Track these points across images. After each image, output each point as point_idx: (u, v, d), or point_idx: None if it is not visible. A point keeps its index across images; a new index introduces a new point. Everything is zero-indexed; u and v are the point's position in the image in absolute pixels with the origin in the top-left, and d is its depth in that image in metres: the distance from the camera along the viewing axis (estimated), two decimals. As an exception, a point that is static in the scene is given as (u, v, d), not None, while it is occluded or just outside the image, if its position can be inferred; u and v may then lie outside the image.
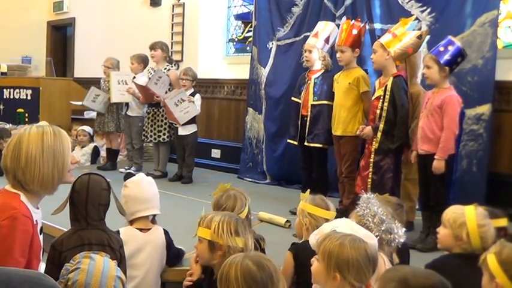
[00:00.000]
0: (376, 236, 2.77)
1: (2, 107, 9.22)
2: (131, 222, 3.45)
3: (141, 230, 3.43)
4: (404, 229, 2.92)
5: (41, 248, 2.53)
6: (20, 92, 9.24)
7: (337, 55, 5.18)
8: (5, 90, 9.31)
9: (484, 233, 2.80)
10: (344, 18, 5.34)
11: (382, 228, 2.81)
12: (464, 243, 2.84)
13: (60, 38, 12.03)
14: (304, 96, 5.42)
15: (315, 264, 2.34)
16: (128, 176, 3.59)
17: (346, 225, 2.57)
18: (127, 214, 3.34)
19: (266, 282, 2.05)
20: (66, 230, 3.07)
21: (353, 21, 5.14)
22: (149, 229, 3.46)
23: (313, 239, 2.52)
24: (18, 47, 10.77)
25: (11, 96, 9.27)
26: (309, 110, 5.35)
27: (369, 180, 4.67)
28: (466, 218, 2.84)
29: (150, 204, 3.45)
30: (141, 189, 3.44)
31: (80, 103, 7.77)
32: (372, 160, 4.68)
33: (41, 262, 2.59)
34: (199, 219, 2.88)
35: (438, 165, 4.25)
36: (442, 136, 4.25)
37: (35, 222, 2.42)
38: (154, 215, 3.54)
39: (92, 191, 2.90)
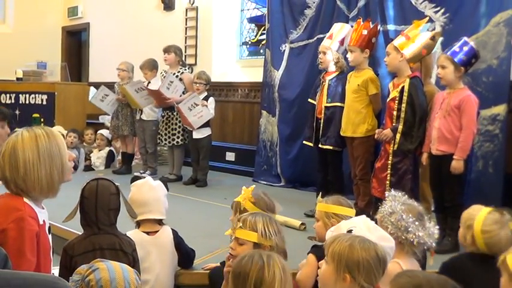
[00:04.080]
0: (392, 234, 2.75)
1: (18, 112, 9.27)
2: (138, 225, 3.48)
3: (147, 233, 3.44)
4: (436, 231, 2.90)
5: (50, 247, 2.53)
6: (35, 97, 9.30)
7: (347, 55, 5.18)
8: (20, 95, 9.37)
9: (488, 238, 2.72)
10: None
11: (399, 227, 2.79)
12: (469, 245, 2.82)
13: (75, 43, 12.14)
14: (319, 98, 5.43)
15: (324, 267, 2.32)
16: (135, 179, 3.59)
17: (364, 225, 2.55)
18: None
19: (249, 282, 2.05)
20: (75, 231, 3.07)
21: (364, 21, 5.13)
22: (156, 231, 3.47)
23: (330, 235, 2.50)
24: (33, 52, 10.83)
25: (27, 102, 9.33)
26: (323, 112, 5.35)
27: (387, 182, 4.62)
28: (474, 221, 2.78)
29: (147, 209, 3.44)
30: (141, 192, 3.46)
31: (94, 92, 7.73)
32: (390, 162, 4.64)
33: (53, 266, 2.60)
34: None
35: (457, 165, 4.22)
36: (461, 136, 4.23)
37: (41, 222, 2.42)
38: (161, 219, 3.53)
39: (101, 197, 2.90)
